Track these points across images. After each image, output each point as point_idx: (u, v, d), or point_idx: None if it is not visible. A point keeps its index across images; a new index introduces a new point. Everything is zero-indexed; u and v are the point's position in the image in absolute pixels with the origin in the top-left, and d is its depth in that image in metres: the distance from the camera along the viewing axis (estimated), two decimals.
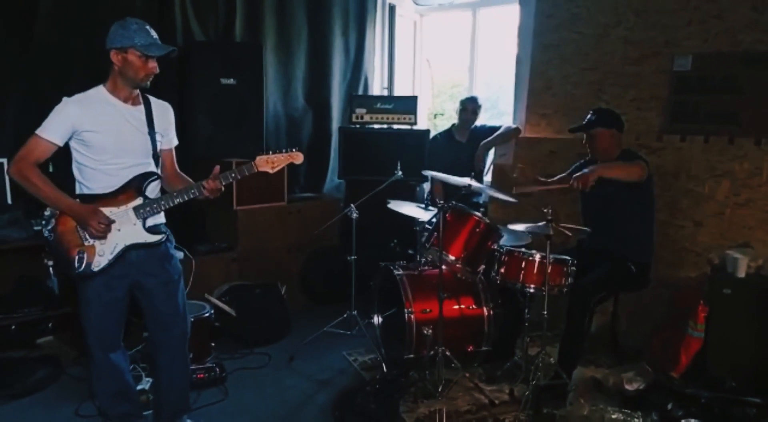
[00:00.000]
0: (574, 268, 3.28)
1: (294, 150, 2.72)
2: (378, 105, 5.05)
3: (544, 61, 4.55)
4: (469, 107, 4.73)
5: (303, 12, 5.13)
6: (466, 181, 3.40)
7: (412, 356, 3.44)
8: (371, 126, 5.06)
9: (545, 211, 3.21)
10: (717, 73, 3.71)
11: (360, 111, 5.03)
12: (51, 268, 3.81)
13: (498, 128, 4.66)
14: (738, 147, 3.65)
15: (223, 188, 2.63)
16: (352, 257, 4.04)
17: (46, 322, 3.85)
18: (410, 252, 4.31)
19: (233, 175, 2.62)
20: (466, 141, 4.73)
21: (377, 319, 3.92)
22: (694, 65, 3.80)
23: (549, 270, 3.19)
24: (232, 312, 3.92)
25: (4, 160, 3.60)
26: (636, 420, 2.71)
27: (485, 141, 4.55)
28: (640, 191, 3.40)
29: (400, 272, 3.59)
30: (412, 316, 3.41)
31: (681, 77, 3.85)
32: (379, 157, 4.80)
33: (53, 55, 3.84)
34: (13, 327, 3.67)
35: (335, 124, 5.42)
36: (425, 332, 3.36)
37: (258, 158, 2.65)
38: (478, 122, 4.80)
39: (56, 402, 3.22)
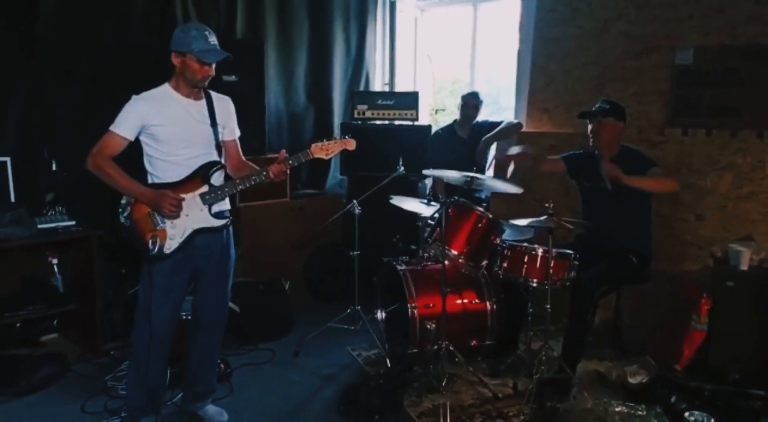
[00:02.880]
0: (576, 262, 3.29)
1: (347, 137, 2.85)
2: (379, 101, 5.05)
3: (545, 55, 4.55)
4: (470, 102, 4.73)
5: (304, 8, 5.13)
6: (462, 175, 3.38)
7: (415, 351, 3.45)
8: (373, 122, 5.06)
9: (547, 205, 3.22)
10: (718, 66, 3.71)
11: (361, 107, 5.03)
12: (55, 266, 3.83)
13: (500, 123, 4.66)
14: (740, 140, 3.65)
15: (288, 171, 2.78)
16: (355, 253, 4.05)
17: (50, 320, 3.87)
18: (413, 247, 4.32)
19: (291, 161, 2.75)
20: (468, 136, 4.73)
21: (380, 315, 3.93)
22: (695, 59, 3.80)
23: (552, 265, 3.19)
24: (236, 309, 3.92)
25: (7, 159, 3.60)
26: (639, 413, 2.72)
27: (486, 136, 4.55)
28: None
29: (403, 267, 3.60)
30: (416, 311, 3.42)
31: (682, 71, 3.85)
32: (380, 153, 4.79)
33: (56, 54, 3.84)
34: (18, 325, 3.69)
35: (337, 120, 5.42)
36: (428, 327, 3.37)
37: (313, 146, 2.78)
38: (480, 117, 4.79)
39: (62, 399, 3.23)
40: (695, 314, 3.45)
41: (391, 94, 5.30)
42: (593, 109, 3.51)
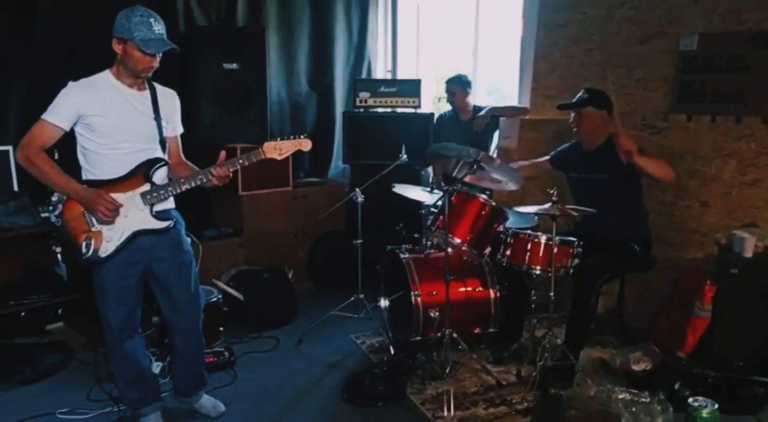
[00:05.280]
0: (580, 249, 3.28)
1: (303, 137, 2.69)
2: (382, 88, 5.03)
3: (548, 42, 4.52)
4: (453, 89, 4.66)
5: None
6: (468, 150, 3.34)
7: (419, 338, 3.46)
8: (375, 110, 5.04)
9: (551, 192, 3.21)
10: (723, 52, 3.67)
11: (364, 95, 5.01)
12: (59, 255, 3.84)
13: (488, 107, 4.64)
14: (745, 126, 3.62)
15: (231, 175, 2.62)
16: (359, 241, 4.05)
17: (55, 309, 3.88)
18: (416, 235, 4.32)
19: (240, 161, 2.61)
20: (470, 119, 4.67)
21: (384, 302, 3.94)
22: (700, 45, 3.77)
23: (555, 252, 3.19)
24: (240, 297, 3.94)
25: (9, 147, 3.61)
26: (643, 400, 2.72)
27: (495, 107, 4.51)
28: (633, 176, 3.38)
29: (407, 255, 3.60)
30: (419, 299, 3.43)
31: (687, 57, 3.82)
32: (383, 141, 4.79)
33: (57, 40, 3.84)
34: (23, 313, 3.69)
35: (339, 109, 5.41)
36: (432, 314, 3.37)
37: (266, 144, 2.63)
38: (481, 103, 4.75)
39: (67, 387, 3.25)
40: (699, 301, 3.44)
41: (394, 82, 5.29)
42: (574, 99, 3.53)
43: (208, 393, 3.10)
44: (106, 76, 2.53)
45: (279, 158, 2.66)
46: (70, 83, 2.48)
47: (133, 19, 2.40)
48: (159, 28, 2.45)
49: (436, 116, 4.99)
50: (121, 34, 2.42)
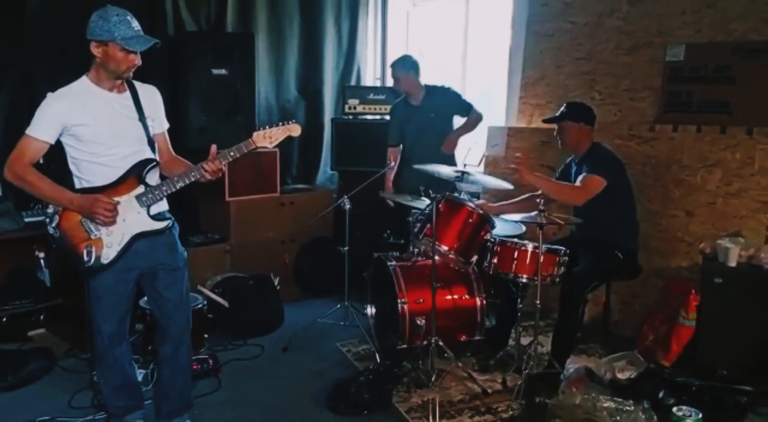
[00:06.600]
0: (566, 258, 3.29)
1: (291, 122, 2.64)
2: (371, 95, 5.03)
3: (537, 51, 4.54)
4: (397, 74, 4.42)
5: (295, 1, 5.11)
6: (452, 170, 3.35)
7: (405, 346, 3.45)
8: (364, 117, 5.04)
9: (538, 201, 3.22)
10: (710, 62, 3.70)
11: (353, 101, 5.01)
12: (42, 260, 3.80)
13: (445, 88, 4.48)
14: (730, 136, 3.65)
15: (224, 168, 2.59)
16: (345, 248, 4.04)
17: (38, 314, 3.85)
18: (403, 242, 4.31)
19: (232, 153, 2.56)
20: (420, 103, 4.45)
21: (370, 310, 3.92)
22: (686, 55, 3.80)
23: (541, 260, 3.19)
24: (225, 304, 3.91)
25: None
26: (627, 408, 2.72)
27: (456, 129, 4.37)
28: (613, 187, 3.40)
29: (393, 263, 3.59)
30: (405, 307, 3.42)
31: (674, 67, 3.85)
32: (371, 147, 4.78)
33: (45, 44, 3.81)
34: (5, 319, 3.66)
35: (328, 115, 5.41)
36: (418, 322, 3.36)
37: (255, 134, 2.58)
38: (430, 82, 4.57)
39: (49, 394, 3.21)
40: (683, 310, 3.46)
41: (383, 89, 5.29)
42: (557, 113, 3.61)
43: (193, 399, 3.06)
44: (84, 83, 2.48)
45: (270, 146, 2.62)
46: (49, 95, 2.44)
47: (110, 19, 2.36)
48: (136, 25, 2.41)
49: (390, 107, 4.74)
50: (99, 36, 2.37)
